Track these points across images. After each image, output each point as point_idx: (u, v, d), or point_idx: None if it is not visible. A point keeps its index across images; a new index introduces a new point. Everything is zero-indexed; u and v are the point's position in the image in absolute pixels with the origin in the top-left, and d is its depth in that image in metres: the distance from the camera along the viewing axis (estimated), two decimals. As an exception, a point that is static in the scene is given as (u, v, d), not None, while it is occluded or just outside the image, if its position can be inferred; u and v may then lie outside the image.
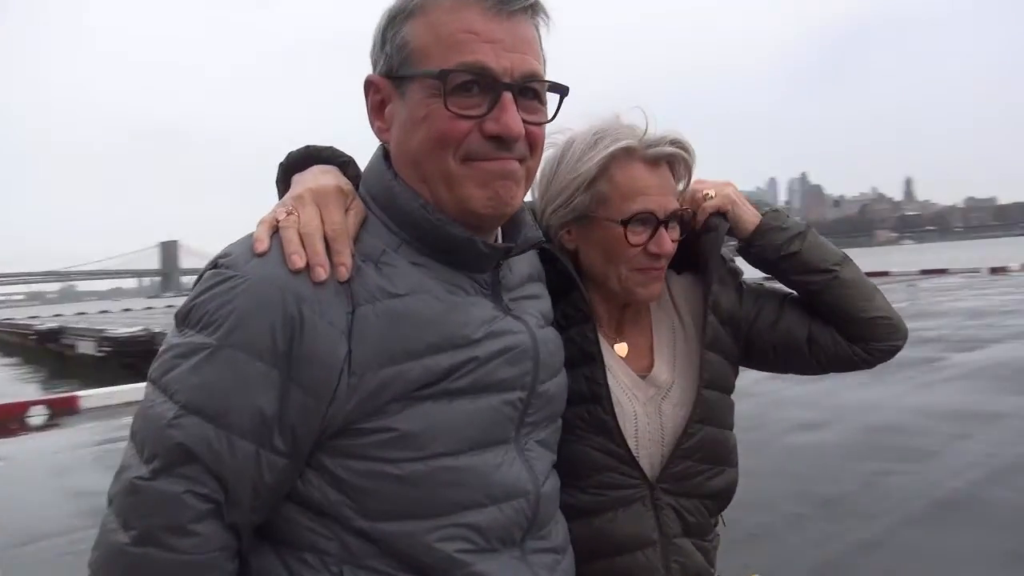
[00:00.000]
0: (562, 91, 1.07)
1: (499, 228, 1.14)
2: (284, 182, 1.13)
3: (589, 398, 1.30)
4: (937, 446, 6.33)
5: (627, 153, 1.29)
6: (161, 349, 0.96)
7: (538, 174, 1.27)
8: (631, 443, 1.32)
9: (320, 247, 0.97)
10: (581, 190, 1.31)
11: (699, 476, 1.35)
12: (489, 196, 1.02)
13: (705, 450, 1.35)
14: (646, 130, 1.30)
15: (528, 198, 1.24)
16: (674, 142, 1.30)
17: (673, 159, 1.32)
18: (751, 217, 1.42)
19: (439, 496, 1.00)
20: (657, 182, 1.30)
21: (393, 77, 1.03)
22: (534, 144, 1.06)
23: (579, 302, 1.32)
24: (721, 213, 1.40)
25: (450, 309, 1.02)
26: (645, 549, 1.32)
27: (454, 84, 0.98)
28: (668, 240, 1.30)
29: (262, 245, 0.96)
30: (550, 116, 1.08)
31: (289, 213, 1.00)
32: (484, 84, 0.99)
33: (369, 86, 1.07)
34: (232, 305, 0.92)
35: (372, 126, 1.09)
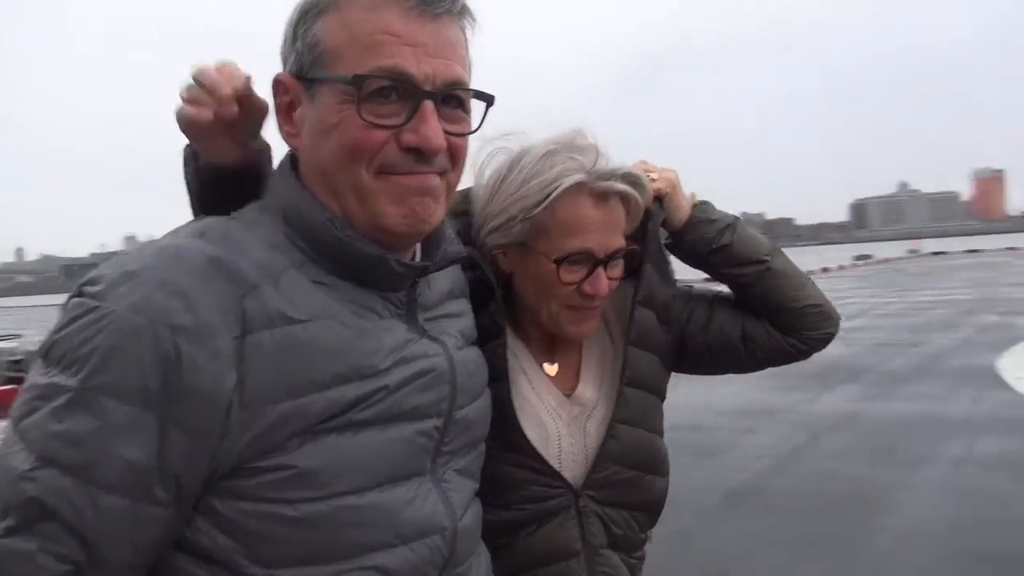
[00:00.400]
0: (487, 100, 0.99)
1: (417, 243, 1.06)
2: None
3: (498, 416, 1.20)
4: (727, 442, 6.91)
5: (580, 190, 1.20)
6: (24, 387, 0.83)
7: (484, 182, 1.24)
8: (554, 463, 1.25)
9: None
10: (519, 218, 1.21)
11: (625, 484, 1.29)
12: (405, 213, 0.94)
13: (631, 454, 1.29)
14: (596, 160, 1.21)
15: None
16: (627, 177, 1.22)
17: (618, 196, 1.22)
18: (685, 207, 1.37)
19: (342, 538, 0.90)
20: (601, 219, 1.21)
21: (303, 78, 0.93)
22: (456, 157, 0.97)
23: (496, 314, 1.23)
24: (659, 198, 1.34)
25: (357, 335, 0.92)
26: (569, 560, 1.25)
27: (370, 90, 0.89)
28: (604, 281, 1.22)
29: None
30: (475, 126, 1.00)
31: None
32: (403, 91, 0.90)
33: (277, 86, 0.96)
34: (95, 342, 0.79)
35: (280, 130, 0.98)
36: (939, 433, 6.77)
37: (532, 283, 1.26)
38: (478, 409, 1.09)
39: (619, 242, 1.24)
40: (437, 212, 0.97)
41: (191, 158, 1.07)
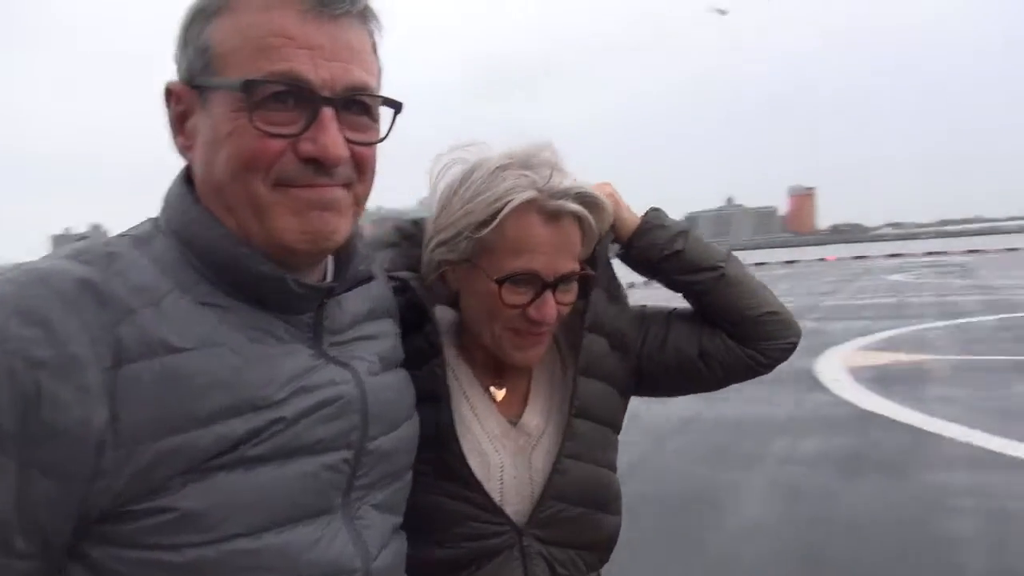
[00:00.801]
0: (395, 106, 0.93)
1: (328, 261, 1.00)
2: None
3: (436, 442, 1.13)
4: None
5: (531, 207, 1.13)
6: None
7: (437, 193, 1.19)
8: (495, 497, 1.17)
9: None
10: (465, 235, 1.15)
11: (572, 522, 1.21)
12: (304, 228, 0.88)
13: (579, 491, 1.22)
14: (550, 177, 1.14)
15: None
16: (580, 196, 1.16)
17: (570, 216, 1.15)
18: (632, 216, 1.33)
19: None
20: (551, 240, 1.15)
21: (195, 85, 0.87)
22: (363, 166, 0.92)
23: (430, 335, 1.17)
24: None
25: (249, 363, 0.85)
26: None
27: (264, 96, 0.83)
28: (551, 306, 1.16)
29: None
30: (383, 134, 0.94)
31: None
32: (299, 97, 0.84)
33: (169, 95, 0.90)
34: None
35: (174, 142, 0.91)
36: (767, 433, 7.18)
37: (476, 303, 1.20)
38: (399, 439, 1.02)
39: (570, 266, 1.18)
40: (341, 227, 0.91)
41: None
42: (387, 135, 0.93)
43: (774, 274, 39.44)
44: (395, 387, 1.04)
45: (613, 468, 1.31)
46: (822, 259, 58.59)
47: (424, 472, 1.11)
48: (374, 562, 0.94)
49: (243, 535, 0.81)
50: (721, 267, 1.31)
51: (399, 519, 1.04)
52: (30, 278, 0.77)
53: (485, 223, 1.13)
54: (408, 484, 1.07)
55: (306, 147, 0.84)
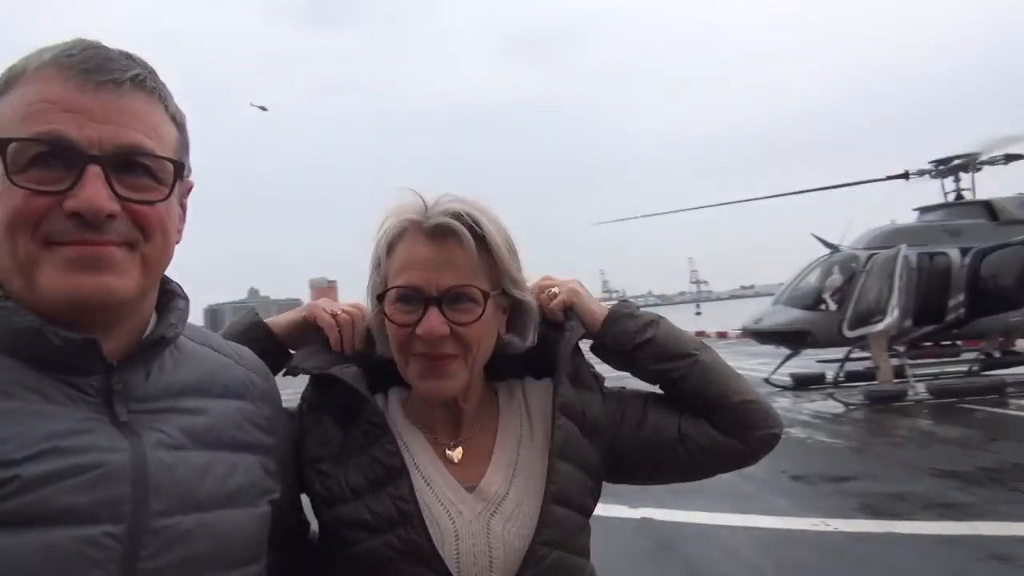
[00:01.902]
0: (175, 166, 0.94)
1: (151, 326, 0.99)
2: None
3: (398, 520, 1.12)
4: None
5: (411, 226, 1.19)
6: None
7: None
8: (451, 564, 1.12)
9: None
10: (373, 270, 1.24)
11: None
12: (69, 287, 0.86)
13: None
14: (434, 201, 1.20)
15: None
16: (452, 212, 1.17)
17: (452, 232, 1.16)
18: (599, 309, 1.33)
19: None
20: (434, 256, 1.17)
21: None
22: (146, 225, 0.91)
23: (372, 415, 1.19)
24: (568, 308, 1.32)
25: None
26: None
27: (29, 158, 0.86)
28: (435, 321, 1.14)
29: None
30: (166, 194, 0.93)
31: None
32: (66, 158, 0.86)
33: None
34: None
35: None
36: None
37: (391, 340, 1.21)
38: (208, 524, 0.92)
39: (455, 280, 1.16)
40: (118, 287, 0.89)
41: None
42: (170, 194, 0.93)
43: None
44: (205, 467, 0.95)
45: (587, 555, 1.27)
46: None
47: (388, 556, 1.11)
48: None
49: None
50: (695, 354, 1.30)
51: None
52: None
53: (384, 254, 1.20)
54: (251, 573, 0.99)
55: (69, 203, 0.85)
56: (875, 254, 13.32)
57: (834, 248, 14.24)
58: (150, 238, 0.92)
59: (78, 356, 0.89)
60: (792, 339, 13.65)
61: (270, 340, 1.29)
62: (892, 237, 13.87)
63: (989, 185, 15.77)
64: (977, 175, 15.51)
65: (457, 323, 1.16)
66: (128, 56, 0.92)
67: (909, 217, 15.56)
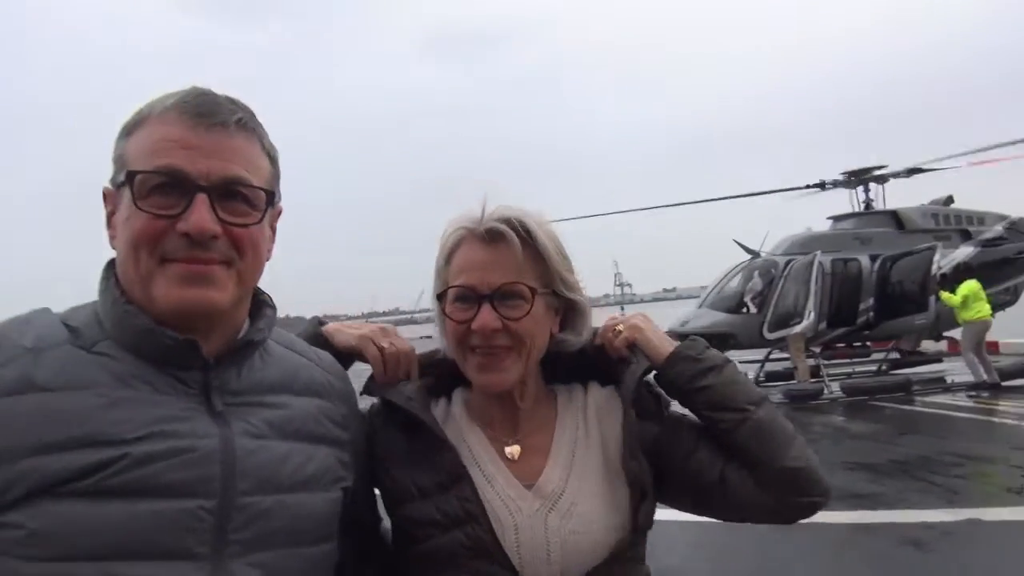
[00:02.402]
0: (267, 194, 1.10)
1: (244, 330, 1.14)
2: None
3: (464, 519, 1.22)
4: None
5: (467, 234, 1.30)
6: None
7: None
8: (513, 557, 1.22)
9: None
10: (436, 276, 1.34)
11: None
12: (178, 298, 1.03)
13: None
14: (483, 211, 1.31)
15: None
16: (503, 218, 1.28)
17: (502, 236, 1.27)
18: (663, 346, 1.37)
19: None
20: (487, 258, 1.28)
21: (116, 186, 1.07)
22: (240, 245, 1.07)
23: (431, 430, 1.28)
24: (632, 344, 1.38)
25: (109, 405, 0.98)
26: None
27: (150, 187, 1.02)
28: (488, 316, 1.26)
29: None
30: (259, 219, 1.09)
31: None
32: (179, 187, 1.02)
33: (104, 197, 1.10)
34: None
35: (108, 235, 1.10)
36: None
37: (448, 339, 1.33)
38: (285, 504, 1.06)
39: (507, 278, 1.26)
40: (219, 298, 1.05)
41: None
42: (261, 219, 1.09)
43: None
44: (284, 455, 1.09)
45: (642, 560, 1.35)
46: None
47: (459, 553, 1.21)
48: None
49: (84, 559, 0.91)
50: (749, 411, 1.31)
51: None
52: None
53: (445, 262, 1.32)
54: (320, 557, 1.12)
55: (181, 225, 1.01)
56: (793, 260, 13.98)
57: (754, 254, 14.86)
58: (244, 256, 1.08)
59: (183, 354, 1.05)
60: (716, 341, 14.11)
61: (331, 347, 1.39)
62: (808, 244, 14.59)
63: (895, 196, 16.79)
64: (885, 187, 16.48)
65: (508, 318, 1.26)
66: (232, 101, 1.10)
67: (824, 225, 16.39)
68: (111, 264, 1.11)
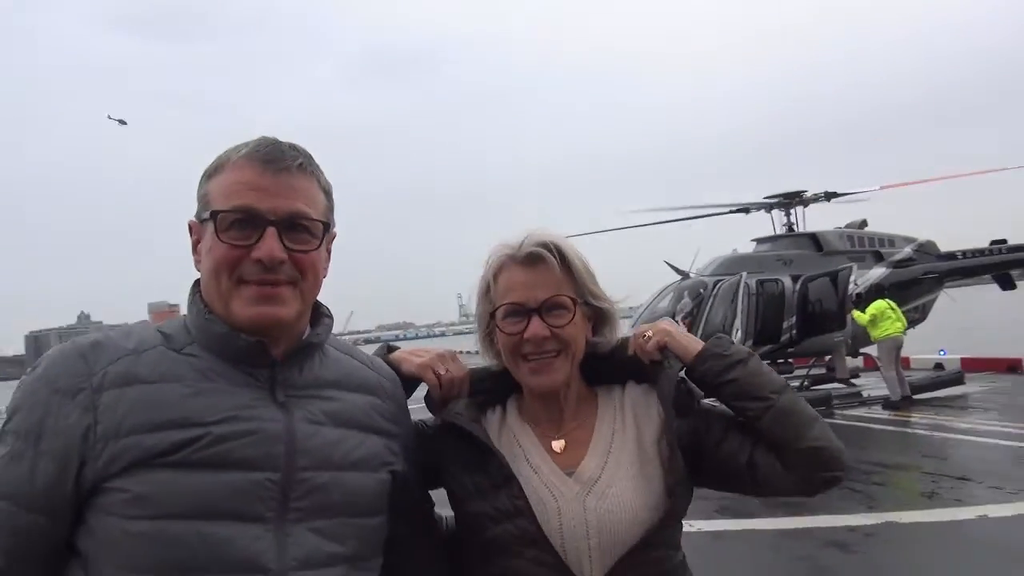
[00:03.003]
0: (325, 226, 1.33)
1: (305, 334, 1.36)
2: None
3: (514, 513, 1.40)
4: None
5: (508, 260, 1.52)
6: None
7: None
8: (556, 540, 1.39)
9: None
10: (481, 299, 1.57)
11: None
12: (251, 314, 1.25)
13: (649, 556, 1.41)
14: (525, 237, 1.52)
15: None
16: (539, 243, 1.50)
17: (541, 258, 1.49)
18: (691, 345, 1.54)
19: (166, 555, 1.13)
20: (529, 279, 1.49)
21: (200, 221, 1.30)
22: (303, 268, 1.29)
23: (479, 443, 1.47)
24: (663, 348, 1.54)
25: (195, 394, 1.21)
26: None
27: (230, 223, 1.25)
28: (537, 326, 1.46)
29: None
30: (317, 245, 1.31)
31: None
32: (252, 221, 1.25)
33: (189, 228, 1.33)
34: (12, 402, 1.22)
35: (193, 259, 1.33)
36: None
37: (503, 350, 1.54)
38: (339, 481, 1.27)
39: (550, 292, 1.48)
40: (285, 314, 1.27)
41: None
42: (319, 246, 1.32)
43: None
44: (337, 440, 1.30)
45: (677, 547, 1.52)
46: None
47: (511, 541, 1.40)
48: (290, 570, 1.19)
49: (176, 518, 1.13)
50: (772, 399, 1.46)
51: (347, 551, 1.27)
52: (70, 345, 1.26)
53: (489, 285, 1.55)
54: (371, 531, 1.33)
55: (254, 252, 1.24)
56: (720, 280, 14.51)
57: (684, 275, 15.37)
58: (306, 277, 1.30)
59: (254, 355, 1.27)
60: (649, 359, 14.48)
61: (399, 373, 1.58)
62: (734, 265, 15.19)
63: (813, 219, 17.66)
64: (805, 210, 17.35)
65: (555, 326, 1.47)
66: (294, 148, 1.32)
67: (748, 247, 17.09)
68: (196, 283, 1.34)
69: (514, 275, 1.50)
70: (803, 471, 1.45)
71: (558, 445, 1.52)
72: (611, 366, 1.60)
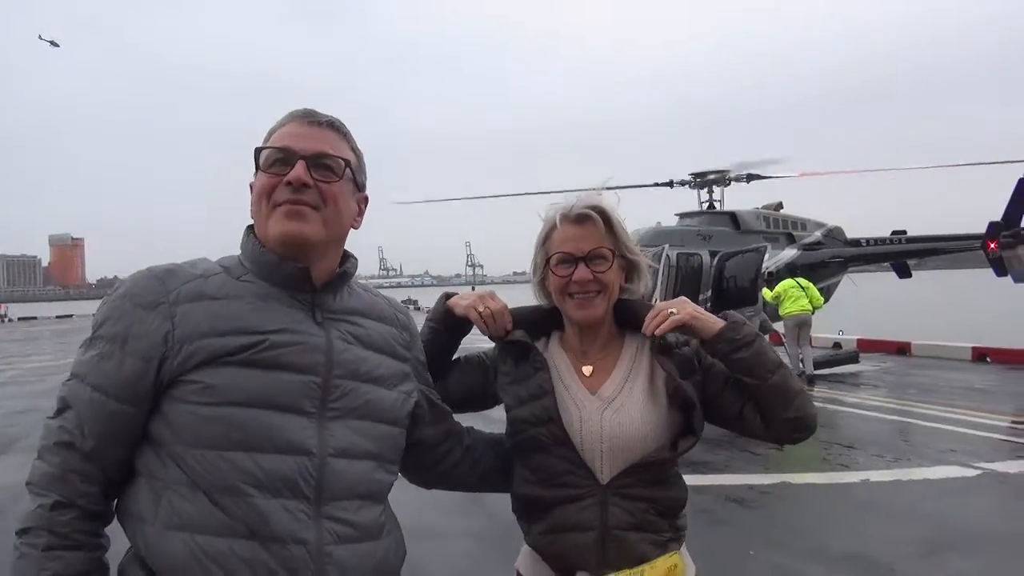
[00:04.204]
0: (345, 162, 1.58)
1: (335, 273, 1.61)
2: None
3: (546, 419, 1.79)
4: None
5: (561, 218, 1.86)
6: None
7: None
8: (576, 441, 1.78)
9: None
10: (538, 250, 1.92)
11: (644, 487, 1.79)
12: (280, 229, 1.50)
13: (650, 470, 1.80)
14: (574, 202, 1.87)
15: None
16: (588, 206, 1.84)
17: (588, 217, 1.84)
18: (712, 326, 1.82)
19: (231, 434, 1.38)
20: (578, 233, 1.84)
21: (255, 173, 1.57)
22: (325, 197, 1.53)
23: (535, 357, 1.89)
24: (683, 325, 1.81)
25: (253, 309, 1.47)
26: (586, 533, 1.76)
27: (271, 160, 1.54)
28: (584, 271, 1.82)
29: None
30: (339, 177, 1.57)
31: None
32: (287, 159, 1.52)
33: (251, 187, 1.58)
34: (100, 312, 1.49)
35: (251, 206, 1.59)
36: None
37: (553, 291, 1.90)
38: (364, 390, 1.54)
39: (592, 244, 1.83)
40: (309, 231, 1.51)
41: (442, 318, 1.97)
42: (340, 179, 1.56)
43: (53, 328, 40.98)
44: (364, 358, 1.58)
45: (675, 464, 1.89)
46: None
47: (543, 439, 1.79)
48: (329, 456, 1.45)
49: (238, 405, 1.40)
50: (768, 377, 1.78)
51: (374, 449, 1.54)
52: (149, 270, 1.51)
53: (545, 238, 1.90)
54: (393, 437, 1.62)
55: (287, 177, 1.50)
56: (644, 251, 14.92)
57: (609, 243, 15.72)
58: (327, 204, 1.54)
59: (299, 280, 1.53)
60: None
61: (455, 317, 1.97)
62: (658, 237, 15.59)
63: (733, 198, 18.38)
64: (726, 189, 18.01)
65: (597, 271, 1.82)
66: (328, 115, 1.61)
67: (672, 220, 17.64)
68: (249, 228, 1.59)
69: (566, 229, 1.84)
70: (781, 432, 1.82)
71: (587, 370, 1.89)
72: (639, 320, 1.91)
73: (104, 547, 1.42)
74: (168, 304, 1.43)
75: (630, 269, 1.92)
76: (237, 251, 1.61)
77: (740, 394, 1.83)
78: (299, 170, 1.50)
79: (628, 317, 1.93)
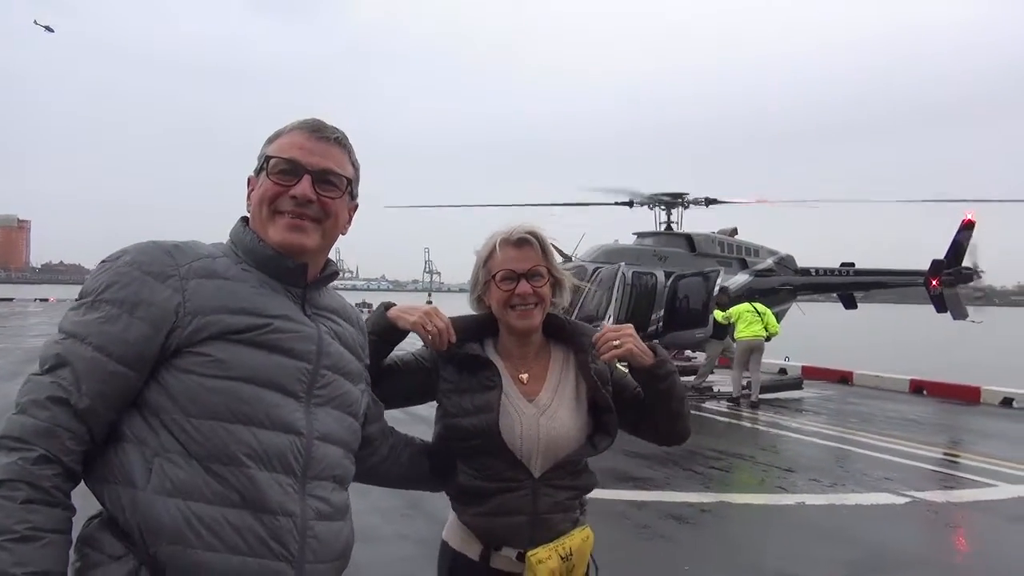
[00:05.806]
0: (347, 180, 1.71)
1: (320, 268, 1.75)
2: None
3: (490, 433, 2.03)
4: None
5: (502, 242, 2.15)
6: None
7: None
8: (517, 443, 2.05)
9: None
10: (480, 269, 2.20)
11: (568, 478, 2.11)
12: (282, 238, 1.63)
13: (573, 464, 2.12)
14: (515, 227, 2.16)
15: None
16: (527, 231, 2.15)
17: (527, 241, 2.14)
18: (645, 359, 2.09)
19: (232, 407, 1.46)
20: (519, 255, 2.13)
21: (256, 173, 1.70)
22: (327, 210, 1.67)
23: (489, 378, 2.10)
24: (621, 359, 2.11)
25: (258, 294, 1.58)
26: (519, 517, 2.05)
27: (279, 168, 1.64)
28: (525, 286, 2.10)
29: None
30: (342, 194, 1.71)
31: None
32: (294, 170, 1.64)
33: (248, 182, 1.72)
34: (103, 278, 1.53)
35: (246, 202, 1.72)
36: None
37: (494, 303, 2.15)
38: (341, 382, 1.67)
39: (531, 264, 2.12)
40: (308, 242, 1.65)
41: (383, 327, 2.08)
42: (342, 196, 1.70)
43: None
44: (341, 352, 1.70)
45: (588, 468, 2.21)
46: (43, 299, 60.60)
47: (484, 445, 2.04)
48: (316, 437, 1.57)
49: (239, 379, 1.48)
50: (673, 404, 2.16)
51: (345, 438, 1.67)
52: (153, 243, 1.56)
53: (487, 257, 2.18)
54: (356, 432, 1.75)
55: (293, 191, 1.63)
56: (600, 267, 15.08)
57: (567, 258, 15.78)
58: (328, 218, 1.68)
59: (296, 274, 1.66)
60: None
61: (396, 329, 2.11)
62: (614, 254, 15.81)
63: (690, 221, 18.68)
64: (685, 212, 18.33)
65: (536, 286, 2.10)
66: (335, 128, 1.71)
67: (630, 239, 17.85)
68: (243, 219, 1.71)
69: (507, 251, 2.12)
70: (668, 439, 2.25)
71: (524, 377, 2.16)
72: (564, 333, 2.25)
73: (74, 510, 1.39)
74: (179, 278, 1.50)
75: (555, 285, 2.19)
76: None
77: (637, 412, 2.19)
78: (305, 186, 1.62)
79: (552, 329, 2.22)
